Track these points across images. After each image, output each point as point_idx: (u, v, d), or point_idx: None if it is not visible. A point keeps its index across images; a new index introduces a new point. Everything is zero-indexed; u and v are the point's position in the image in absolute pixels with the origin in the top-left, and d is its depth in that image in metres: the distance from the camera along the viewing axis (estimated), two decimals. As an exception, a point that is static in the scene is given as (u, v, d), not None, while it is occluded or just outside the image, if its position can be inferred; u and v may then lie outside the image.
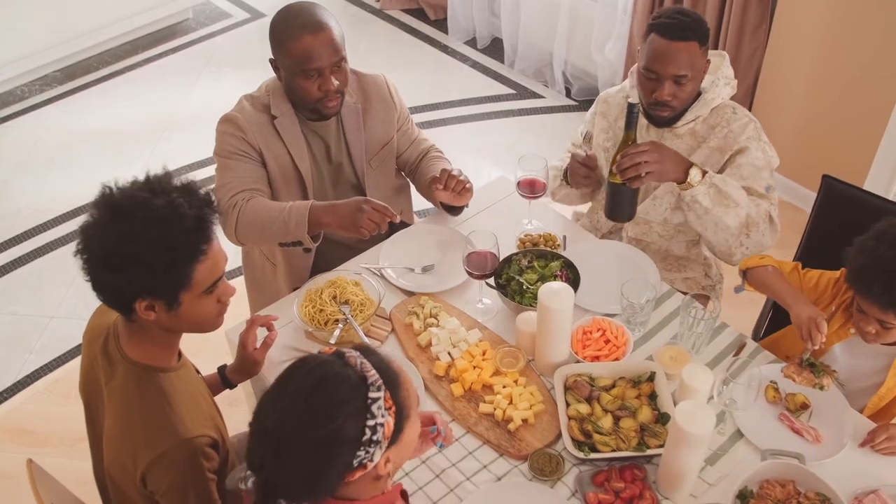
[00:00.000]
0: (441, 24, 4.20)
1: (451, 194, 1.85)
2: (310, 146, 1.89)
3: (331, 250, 1.96)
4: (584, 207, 2.19)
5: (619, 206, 1.79)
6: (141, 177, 1.27)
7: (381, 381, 1.07)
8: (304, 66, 1.72)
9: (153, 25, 4.21)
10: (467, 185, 1.85)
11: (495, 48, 4.02)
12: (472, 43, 4.09)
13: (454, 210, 1.98)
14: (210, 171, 3.36)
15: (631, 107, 1.68)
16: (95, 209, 1.22)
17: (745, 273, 1.75)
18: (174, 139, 3.55)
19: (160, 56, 4.11)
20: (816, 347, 1.54)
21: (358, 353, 1.09)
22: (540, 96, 3.75)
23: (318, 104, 1.78)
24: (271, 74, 1.89)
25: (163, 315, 1.25)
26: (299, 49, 1.71)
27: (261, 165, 1.84)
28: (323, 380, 1.05)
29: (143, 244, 1.18)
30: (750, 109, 3.06)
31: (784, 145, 3.03)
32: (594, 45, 3.46)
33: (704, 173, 1.74)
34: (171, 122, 3.64)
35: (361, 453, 1.04)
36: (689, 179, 1.73)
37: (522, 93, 3.78)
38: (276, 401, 1.06)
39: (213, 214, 1.25)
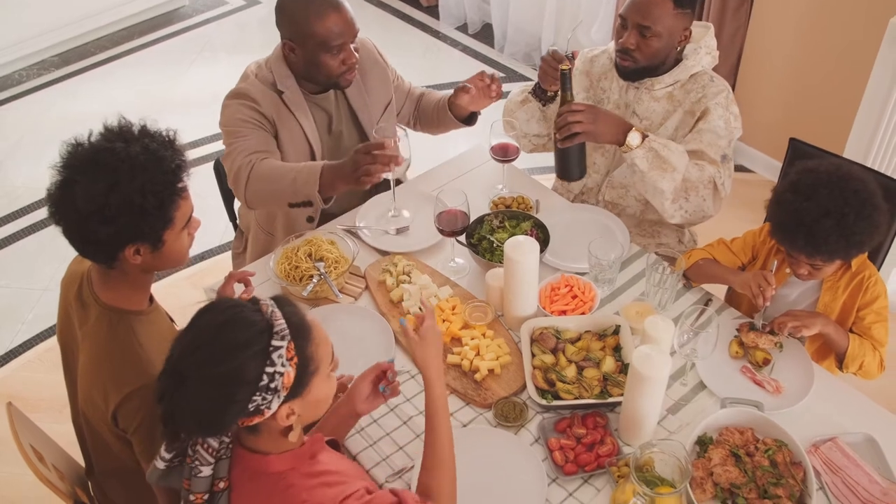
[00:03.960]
0: (433, 11, 4.26)
1: (478, 95, 1.90)
2: (314, 118, 1.93)
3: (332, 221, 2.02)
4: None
5: (566, 165, 1.82)
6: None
7: (287, 332, 1.07)
8: (331, 42, 1.76)
9: (150, 12, 4.28)
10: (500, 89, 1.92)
11: (486, 33, 4.07)
12: (463, 28, 4.15)
13: (471, 119, 2.01)
14: (202, 151, 3.42)
15: (563, 73, 1.73)
16: (69, 167, 1.24)
17: (685, 275, 1.80)
18: (168, 122, 3.59)
19: (156, 41, 4.17)
20: (769, 303, 1.59)
21: (272, 302, 1.10)
22: (529, 79, 3.79)
23: (340, 77, 1.83)
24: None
25: (147, 256, 1.30)
26: (326, 26, 1.75)
27: (272, 136, 1.87)
28: (230, 321, 1.06)
29: (132, 192, 1.22)
30: (734, 87, 3.10)
31: (767, 122, 3.07)
32: (581, 29, 3.51)
33: (645, 137, 1.77)
34: (165, 106, 3.70)
35: (258, 398, 1.05)
36: (627, 142, 1.76)
37: (512, 76, 3.83)
38: (184, 336, 1.08)
39: (183, 154, 1.30)
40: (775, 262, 1.65)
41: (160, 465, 1.16)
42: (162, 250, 1.31)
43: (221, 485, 1.15)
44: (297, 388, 1.09)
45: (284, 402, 1.08)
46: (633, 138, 1.76)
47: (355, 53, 1.81)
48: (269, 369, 1.05)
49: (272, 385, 1.06)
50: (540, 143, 2.07)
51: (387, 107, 2.02)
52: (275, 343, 1.06)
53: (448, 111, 1.99)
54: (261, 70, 1.89)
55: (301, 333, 1.09)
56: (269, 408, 1.07)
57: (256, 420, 1.08)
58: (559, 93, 1.80)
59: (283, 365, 1.06)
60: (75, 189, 1.22)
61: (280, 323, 1.07)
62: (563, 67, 1.72)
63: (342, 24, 1.76)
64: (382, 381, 1.39)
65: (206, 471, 1.13)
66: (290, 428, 1.13)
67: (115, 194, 1.21)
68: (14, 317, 2.76)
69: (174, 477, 1.18)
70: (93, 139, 1.27)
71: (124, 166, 1.22)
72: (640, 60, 1.83)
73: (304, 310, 1.15)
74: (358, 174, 1.66)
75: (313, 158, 1.94)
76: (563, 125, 1.73)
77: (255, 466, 1.14)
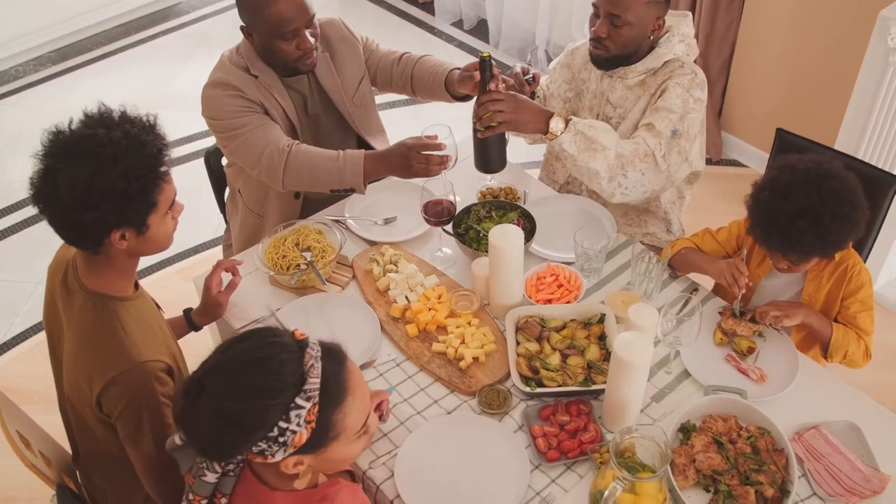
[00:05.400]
0: (428, 7, 4.26)
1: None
2: (291, 99, 1.95)
3: (318, 202, 2.04)
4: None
5: (487, 156, 1.78)
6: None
7: (315, 394, 1.03)
8: (282, 29, 1.77)
9: (146, 8, 4.30)
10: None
11: (481, 29, 4.08)
12: (458, 24, 4.16)
13: (467, 97, 2.01)
14: (197, 146, 3.43)
15: (483, 61, 1.69)
16: (51, 154, 1.24)
17: (670, 264, 1.79)
18: (163, 117, 3.61)
19: (153, 37, 4.19)
20: (744, 290, 1.59)
21: (318, 355, 1.06)
22: (523, 74, 3.81)
23: (298, 62, 1.84)
24: None
25: (133, 241, 1.31)
26: (275, 14, 1.75)
27: (266, 114, 1.90)
28: (264, 360, 1.03)
29: (115, 177, 1.22)
30: (726, 82, 3.10)
31: (761, 116, 3.07)
32: (574, 24, 3.53)
33: (568, 122, 1.75)
34: (160, 100, 3.71)
35: (263, 445, 1.03)
36: (551, 130, 1.74)
37: (506, 71, 3.82)
38: (222, 352, 1.06)
39: (164, 138, 1.30)
40: (745, 251, 1.66)
41: (177, 440, 1.14)
42: (147, 234, 1.31)
43: (223, 501, 1.14)
44: (309, 448, 1.06)
45: (293, 454, 1.06)
46: (556, 125, 1.74)
47: (310, 39, 1.81)
48: (283, 424, 1.02)
49: (280, 439, 1.03)
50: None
51: (360, 82, 2.03)
52: (298, 401, 1.02)
53: (444, 88, 1.98)
54: (233, 56, 1.91)
55: (332, 399, 1.06)
56: (272, 456, 1.05)
57: (257, 460, 1.06)
58: (481, 83, 1.74)
59: (298, 425, 1.02)
60: (58, 177, 1.22)
61: (313, 382, 1.03)
62: (484, 55, 1.70)
63: (293, 10, 1.76)
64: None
65: (211, 477, 1.12)
66: (295, 476, 1.10)
67: (98, 180, 1.21)
68: (9, 309, 2.77)
69: (189, 455, 1.16)
70: (73, 126, 1.27)
71: (106, 152, 1.22)
72: (612, 49, 1.83)
73: (354, 372, 1.10)
74: (413, 171, 1.75)
75: (295, 136, 1.96)
76: (485, 115, 1.70)
77: (258, 496, 1.12)
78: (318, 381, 1.04)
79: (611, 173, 1.76)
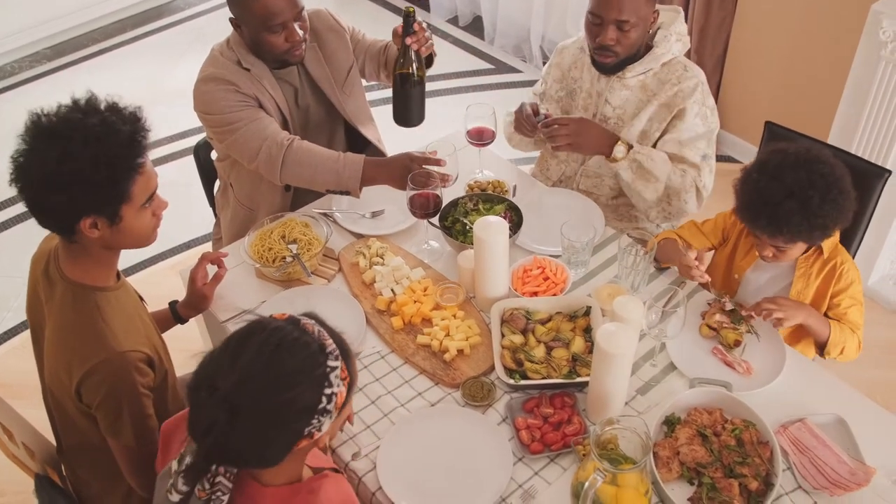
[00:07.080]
0: (424, 3, 4.26)
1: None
2: (282, 91, 1.94)
3: (308, 196, 2.03)
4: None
5: (407, 109, 1.82)
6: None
7: (338, 351, 1.07)
8: (269, 22, 1.77)
9: (142, 5, 4.30)
10: (429, 43, 1.87)
11: (476, 26, 4.08)
12: (454, 21, 4.16)
13: (428, 61, 1.97)
14: (191, 142, 3.42)
15: (406, 15, 1.74)
16: (30, 136, 1.25)
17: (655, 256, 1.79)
18: (158, 112, 3.62)
19: (148, 34, 4.19)
20: (703, 279, 1.61)
21: (314, 321, 1.09)
22: (518, 71, 3.80)
23: (287, 55, 1.84)
24: None
25: (105, 231, 1.29)
26: (262, 7, 1.75)
27: (260, 108, 1.89)
28: (281, 345, 1.03)
29: (83, 161, 1.21)
30: (720, 79, 3.10)
31: (755, 112, 3.06)
32: (570, 21, 3.52)
33: (630, 148, 1.83)
34: (156, 96, 3.71)
35: (314, 421, 1.04)
36: (613, 154, 1.84)
37: (501, 68, 3.83)
38: (233, 363, 1.03)
39: (144, 130, 1.29)
40: (688, 250, 1.66)
41: (174, 498, 1.08)
42: (120, 226, 1.30)
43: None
44: (342, 407, 1.09)
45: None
46: (619, 151, 1.84)
47: (298, 31, 1.81)
48: (328, 391, 1.04)
49: (328, 407, 1.05)
50: (522, 147, 2.15)
51: (349, 71, 2.03)
52: (330, 363, 1.05)
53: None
54: (224, 49, 1.90)
55: (346, 352, 1.10)
56: (320, 430, 1.06)
57: (304, 443, 1.06)
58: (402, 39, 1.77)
59: (338, 385, 1.06)
60: (31, 157, 1.23)
61: (330, 343, 1.07)
62: (409, 10, 1.73)
63: (281, 3, 1.75)
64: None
65: (226, 500, 1.10)
66: (320, 447, 1.11)
67: (67, 163, 1.21)
68: (0, 304, 2.77)
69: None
70: (57, 110, 1.27)
71: (77, 135, 1.22)
72: (622, 53, 1.83)
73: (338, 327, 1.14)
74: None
75: (286, 128, 1.95)
76: (550, 135, 1.82)
77: (252, 493, 1.12)
78: (332, 340, 1.07)
79: (657, 202, 1.91)
